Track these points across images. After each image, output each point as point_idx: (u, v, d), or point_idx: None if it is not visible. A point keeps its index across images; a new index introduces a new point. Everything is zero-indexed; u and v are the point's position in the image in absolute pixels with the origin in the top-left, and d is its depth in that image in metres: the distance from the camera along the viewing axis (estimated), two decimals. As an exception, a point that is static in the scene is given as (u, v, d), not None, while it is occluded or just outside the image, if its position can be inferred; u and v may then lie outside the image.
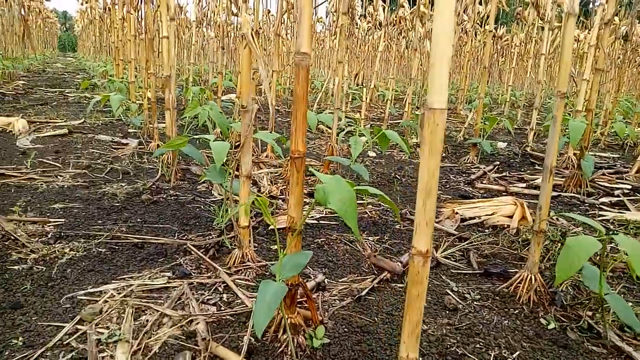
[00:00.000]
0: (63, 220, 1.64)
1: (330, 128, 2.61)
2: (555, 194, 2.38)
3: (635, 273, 0.93)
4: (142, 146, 2.93)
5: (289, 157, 2.47)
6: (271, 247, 1.55)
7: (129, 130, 3.52)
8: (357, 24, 8.76)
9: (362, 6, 8.27)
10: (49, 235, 1.50)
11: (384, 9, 7.68)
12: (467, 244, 1.65)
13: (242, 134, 1.31)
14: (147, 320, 1.05)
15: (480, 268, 1.46)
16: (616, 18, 5.27)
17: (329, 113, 3.83)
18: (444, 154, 3.48)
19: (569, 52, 1.14)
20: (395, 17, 7.56)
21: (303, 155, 1.00)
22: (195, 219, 1.77)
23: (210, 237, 1.58)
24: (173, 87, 2.29)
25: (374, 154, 3.28)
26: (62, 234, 1.53)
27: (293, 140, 0.99)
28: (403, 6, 7.08)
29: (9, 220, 1.56)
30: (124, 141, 3.08)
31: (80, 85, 6.96)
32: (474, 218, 1.95)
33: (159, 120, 2.91)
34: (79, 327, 1.02)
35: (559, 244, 1.64)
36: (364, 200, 2.13)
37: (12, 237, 1.45)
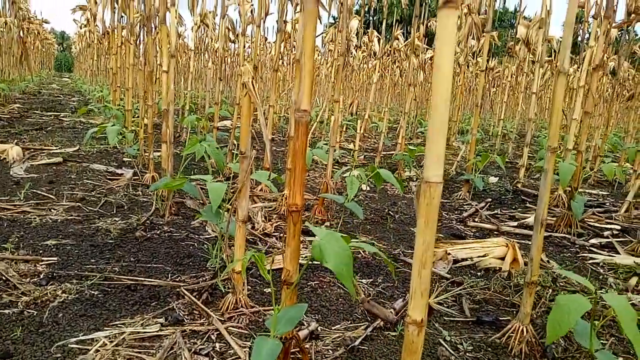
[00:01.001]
0: (56, 258, 1.63)
1: (325, 163, 2.64)
2: (546, 234, 2.40)
3: (624, 331, 0.94)
4: (137, 177, 2.94)
5: (283, 193, 2.48)
6: (264, 290, 1.55)
7: (124, 159, 3.53)
8: (352, 53, 8.93)
9: (357, 37, 8.44)
10: (41, 276, 1.49)
11: (378, 40, 7.85)
12: (460, 289, 1.65)
13: (240, 180, 1.32)
14: (139, 373, 1.04)
15: (473, 315, 1.47)
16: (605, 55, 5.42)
17: (324, 144, 3.87)
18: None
19: (559, 109, 1.18)
20: (390, 47, 7.72)
21: (300, 208, 1.01)
22: (189, 258, 1.76)
23: (204, 278, 1.58)
24: (171, 121, 2.31)
25: (367, 188, 3.30)
26: (55, 274, 1.52)
27: (291, 193, 1.01)
28: (397, 39, 7.24)
29: (1, 259, 1.55)
30: (118, 171, 3.08)
31: (75, 109, 6.99)
32: (466, 259, 1.97)
33: (155, 149, 2.92)
34: (69, 379, 1.01)
35: (550, 290, 1.65)
36: (357, 239, 2.13)
37: (3, 278, 1.44)
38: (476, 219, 2.65)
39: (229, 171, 2.92)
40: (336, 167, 4.16)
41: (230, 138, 3.99)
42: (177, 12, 2.33)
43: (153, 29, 2.73)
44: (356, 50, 9.39)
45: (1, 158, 3.17)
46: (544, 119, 10.77)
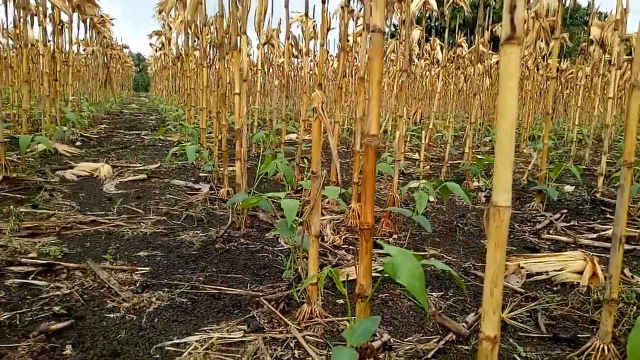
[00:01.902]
0: (148, 268, 1.81)
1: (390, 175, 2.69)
2: (629, 247, 2.28)
3: None
4: (213, 191, 3.13)
5: (350, 206, 2.54)
6: (336, 301, 1.62)
7: (200, 174, 3.77)
8: (414, 62, 8.87)
9: (419, 45, 8.36)
10: (137, 284, 1.66)
11: (441, 48, 7.76)
12: (535, 304, 1.63)
13: (312, 197, 1.41)
14: (228, 375, 1.14)
15: (549, 331, 1.45)
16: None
17: (389, 155, 3.90)
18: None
19: (634, 124, 1.15)
20: (453, 54, 7.59)
21: (372, 227, 1.07)
22: (265, 269, 1.87)
23: (280, 288, 1.68)
24: (244, 140, 2.47)
25: (434, 199, 3.29)
26: (148, 282, 1.68)
27: (362, 212, 1.08)
28: (461, 45, 7.12)
29: (103, 269, 1.75)
30: (196, 186, 3.30)
31: (154, 127, 7.52)
32: (540, 274, 1.92)
33: (229, 164, 3.11)
34: (169, 378, 1.13)
35: (635, 307, 1.59)
36: (426, 252, 2.16)
37: (106, 285, 1.62)
38: (551, 231, 2.57)
39: (297, 184, 3.04)
40: (401, 177, 4.17)
41: (298, 152, 4.13)
42: (247, 36, 2.49)
43: (225, 54, 2.93)
44: (418, 59, 9.32)
45: (94, 176, 3.51)
46: (622, 122, 10.05)
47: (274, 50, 6.82)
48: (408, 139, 6.09)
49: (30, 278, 1.64)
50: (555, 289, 1.81)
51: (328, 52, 9.10)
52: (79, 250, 1.96)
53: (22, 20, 4.44)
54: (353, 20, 4.40)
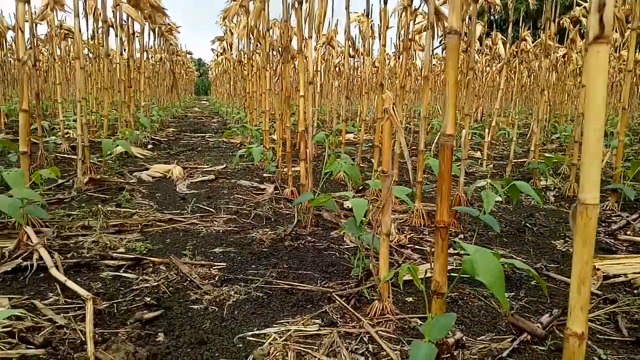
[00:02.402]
0: (224, 264, 1.92)
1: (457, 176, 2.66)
2: None
3: None
4: (278, 191, 3.24)
5: (414, 205, 2.54)
6: (405, 299, 1.65)
7: (264, 175, 3.90)
8: (475, 58, 8.62)
9: (480, 41, 8.11)
10: (216, 278, 1.77)
11: (503, 43, 7.50)
12: (614, 307, 1.57)
13: (383, 196, 1.44)
14: (307, 365, 1.20)
15: (631, 335, 1.40)
16: None
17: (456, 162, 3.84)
18: (578, 198, 3.28)
19: None
20: (517, 48, 7.31)
21: (447, 225, 1.09)
22: (333, 266, 1.93)
23: (349, 285, 1.72)
24: (310, 141, 2.54)
25: (500, 199, 3.21)
26: (225, 277, 1.79)
27: (438, 211, 1.10)
28: (525, 39, 6.85)
29: (184, 263, 1.88)
30: (261, 186, 3.43)
31: (217, 130, 7.83)
32: (619, 276, 1.85)
33: (292, 164, 3.20)
34: (252, 366, 1.21)
35: None
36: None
37: (188, 279, 1.74)
38: (628, 232, 2.44)
39: (360, 184, 3.08)
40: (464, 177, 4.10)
41: (358, 152, 4.17)
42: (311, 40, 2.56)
43: (289, 58, 3.02)
44: (479, 55, 9.05)
45: (167, 176, 3.73)
46: None
47: (333, 51, 6.89)
48: (469, 137, 5.95)
49: (121, 271, 1.79)
50: (635, 291, 1.73)
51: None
52: (161, 246, 2.11)
53: (101, 31, 4.80)
54: (413, 19, 4.38)
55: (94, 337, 1.26)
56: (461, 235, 2.36)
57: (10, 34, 7.51)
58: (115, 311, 1.49)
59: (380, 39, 3.18)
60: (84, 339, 1.28)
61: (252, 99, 5.51)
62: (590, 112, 0.70)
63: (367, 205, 1.67)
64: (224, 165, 4.28)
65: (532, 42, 7.64)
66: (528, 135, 7.04)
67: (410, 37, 2.92)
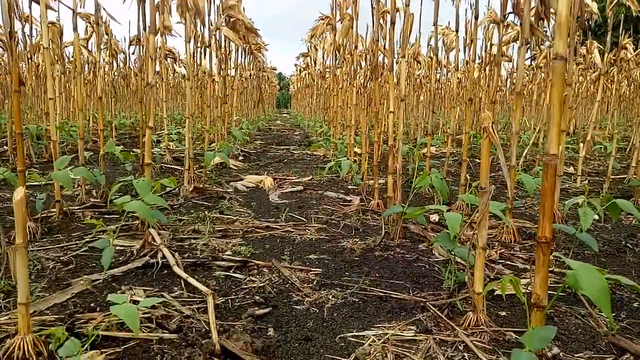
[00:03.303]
0: (320, 269, 2.06)
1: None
2: None
3: None
4: (364, 203, 3.35)
5: (502, 221, 2.53)
6: (499, 312, 1.68)
7: (349, 187, 4.03)
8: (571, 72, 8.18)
9: (574, 51, 7.72)
10: (314, 283, 1.91)
11: (599, 51, 7.07)
12: None
13: (480, 211, 1.50)
14: (407, 367, 1.30)
15: None
16: None
17: (541, 169, 3.72)
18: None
19: None
20: (615, 56, 6.85)
21: (549, 240, 1.14)
22: (424, 278, 2.00)
23: (441, 296, 1.79)
24: (399, 156, 2.63)
25: (597, 217, 3.07)
26: (323, 282, 1.93)
27: (540, 226, 1.15)
28: (626, 47, 6.41)
29: (285, 267, 2.05)
30: (348, 198, 3.56)
31: (300, 142, 8.13)
32: None
33: (378, 177, 3.31)
34: (356, 363, 1.33)
35: None
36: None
37: (290, 282, 1.91)
38: None
39: (447, 199, 3.10)
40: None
41: (444, 167, 4.17)
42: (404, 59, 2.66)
43: (379, 75, 3.14)
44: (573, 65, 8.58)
45: (259, 187, 4.00)
46: None
47: (418, 65, 6.93)
48: (562, 152, 5.67)
49: (231, 271, 2.00)
50: None
51: (467, 62, 8.90)
52: (261, 250, 2.31)
53: (200, 53, 5.25)
54: (497, 30, 4.32)
55: (217, 328, 1.45)
56: (555, 253, 2.32)
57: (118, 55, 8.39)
58: (230, 306, 1.68)
59: (466, 53, 3.21)
60: (208, 328, 1.47)
61: (337, 113, 5.70)
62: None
63: (460, 219, 1.73)
64: (310, 177, 4.48)
65: (634, 50, 7.13)
66: (628, 150, 6.55)
67: (501, 52, 2.92)
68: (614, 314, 1.67)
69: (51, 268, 1.95)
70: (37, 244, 2.26)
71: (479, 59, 6.33)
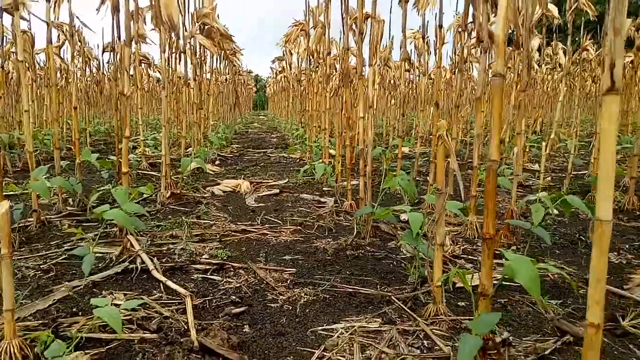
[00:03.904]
0: (294, 269, 2.17)
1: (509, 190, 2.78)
2: None
3: None
4: (337, 204, 3.47)
5: (468, 219, 2.68)
6: (458, 303, 1.81)
7: (324, 189, 4.15)
8: (534, 68, 8.51)
9: (540, 52, 8.02)
10: (288, 282, 2.02)
11: (564, 52, 7.36)
12: None
13: (437, 211, 1.64)
14: (371, 355, 1.42)
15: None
16: None
17: (507, 168, 3.91)
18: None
19: None
20: (578, 57, 7.16)
21: (493, 237, 1.28)
22: (391, 274, 2.13)
23: (406, 290, 1.92)
24: (369, 159, 2.76)
25: (556, 212, 3.26)
26: (296, 281, 2.04)
27: (485, 224, 1.28)
28: (587, 49, 6.71)
29: (260, 268, 2.15)
30: (322, 200, 3.68)
31: (276, 145, 8.22)
32: None
33: (351, 179, 3.43)
34: (324, 353, 1.44)
35: None
36: (545, 261, 2.24)
37: (265, 282, 2.01)
38: None
39: (415, 198, 3.25)
40: (520, 189, 4.15)
41: (414, 167, 4.33)
42: (374, 69, 2.79)
43: (349, 82, 3.27)
44: (539, 65, 8.90)
45: (236, 191, 4.08)
46: None
47: (389, 70, 7.10)
48: (527, 150, 5.92)
49: (208, 274, 2.09)
50: None
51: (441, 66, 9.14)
52: (238, 253, 2.40)
53: (175, 58, 5.30)
54: (467, 33, 4.50)
55: (195, 326, 1.54)
56: (514, 247, 2.48)
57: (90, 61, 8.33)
58: (208, 306, 1.77)
59: (435, 55, 3.36)
60: (187, 328, 1.56)
61: (312, 117, 5.82)
62: (604, 154, 0.87)
63: (422, 218, 1.86)
64: (287, 180, 4.59)
65: (595, 51, 7.45)
66: (590, 146, 6.86)
67: (465, 59, 3.08)
68: (561, 301, 1.83)
69: (32, 276, 2.01)
70: (16, 253, 2.31)
71: (450, 60, 6.55)
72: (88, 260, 1.82)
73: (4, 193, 2.76)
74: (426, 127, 6.66)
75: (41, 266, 2.12)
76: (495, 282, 1.27)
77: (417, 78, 7.28)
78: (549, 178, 4.69)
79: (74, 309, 1.70)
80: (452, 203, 2.06)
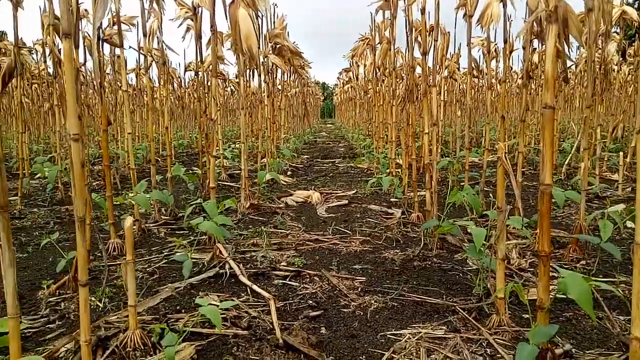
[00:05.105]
0: (364, 278, 2.35)
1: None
2: None
3: None
4: (405, 216, 3.61)
5: (535, 232, 2.71)
6: (522, 315, 1.90)
7: (391, 200, 4.30)
8: (614, 70, 8.06)
9: (622, 54, 7.66)
10: (359, 289, 2.21)
11: (648, 53, 6.94)
12: None
13: (498, 228, 1.75)
14: (436, 359, 1.57)
15: None
16: None
17: (580, 179, 3.83)
18: None
19: None
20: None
21: (548, 254, 1.38)
22: (457, 285, 2.25)
23: (471, 301, 2.03)
24: (434, 173, 2.89)
25: (631, 224, 3.18)
26: (366, 289, 2.22)
27: (540, 242, 1.40)
28: (673, 49, 6.29)
29: (333, 276, 2.36)
30: (389, 211, 3.83)
31: (344, 155, 8.45)
32: None
33: (418, 191, 3.56)
34: (393, 355, 1.61)
35: None
36: (616, 279, 2.24)
37: (337, 289, 2.21)
38: None
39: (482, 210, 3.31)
40: (596, 201, 4.04)
41: (482, 179, 4.35)
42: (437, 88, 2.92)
43: (415, 99, 3.41)
44: (619, 66, 8.43)
45: (308, 201, 4.34)
46: None
47: (454, 82, 7.10)
48: (606, 159, 5.67)
49: (287, 280, 2.33)
50: None
51: (511, 69, 8.92)
52: (312, 261, 2.63)
53: (252, 76, 5.69)
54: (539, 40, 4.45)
55: (279, 326, 1.77)
56: (583, 262, 2.49)
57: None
58: (288, 309, 2.00)
59: (505, 62, 3.40)
60: (272, 327, 1.79)
61: (379, 128, 5.98)
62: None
63: (485, 233, 1.97)
64: (355, 191, 4.78)
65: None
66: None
67: (530, 74, 3.11)
68: (629, 317, 1.85)
69: (140, 278, 2.36)
70: (123, 258, 2.69)
71: (522, 64, 6.43)
72: (187, 265, 2.12)
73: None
74: (495, 135, 6.58)
75: (147, 269, 2.47)
76: (551, 296, 1.38)
77: (484, 87, 7.20)
78: (629, 189, 4.49)
79: (177, 307, 2.00)
80: (515, 219, 2.15)
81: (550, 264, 2.02)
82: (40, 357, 1.26)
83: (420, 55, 3.21)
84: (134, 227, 3.17)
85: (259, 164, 4.92)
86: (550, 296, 1.38)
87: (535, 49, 3.50)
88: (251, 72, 5.81)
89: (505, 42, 3.15)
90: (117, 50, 4.36)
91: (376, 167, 5.98)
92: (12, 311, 0.99)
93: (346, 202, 4.24)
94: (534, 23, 2.90)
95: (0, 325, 1.48)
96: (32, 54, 6.10)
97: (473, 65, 6.97)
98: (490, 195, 4.29)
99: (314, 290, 2.19)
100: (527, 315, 1.90)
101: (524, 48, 3.21)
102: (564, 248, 2.71)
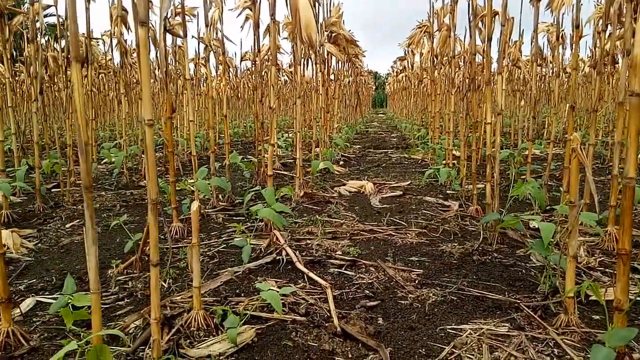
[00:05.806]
0: (421, 270, 2.31)
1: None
2: None
3: None
4: (462, 208, 3.51)
5: (606, 229, 2.57)
6: (592, 316, 1.80)
7: (448, 192, 4.19)
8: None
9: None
10: (416, 282, 2.18)
11: None
12: None
13: (570, 223, 1.66)
14: (499, 356, 1.51)
15: None
16: None
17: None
18: None
19: None
20: None
21: (629, 252, 1.29)
22: (519, 282, 2.16)
23: (535, 299, 1.95)
24: (496, 166, 2.78)
25: None
26: (423, 281, 2.18)
27: (620, 240, 1.31)
28: None
29: (389, 267, 2.33)
30: (446, 203, 3.74)
31: (397, 146, 8.33)
32: None
33: (477, 183, 3.44)
34: (454, 350, 1.57)
35: None
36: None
37: (394, 280, 2.19)
38: None
39: (545, 205, 3.16)
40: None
41: (546, 172, 4.15)
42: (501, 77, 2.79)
43: (477, 87, 3.28)
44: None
45: (361, 191, 4.31)
46: None
47: (514, 71, 6.79)
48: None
49: (343, 269, 2.33)
50: None
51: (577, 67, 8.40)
52: (367, 251, 2.61)
53: (306, 66, 5.71)
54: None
55: (336, 314, 1.78)
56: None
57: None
58: (345, 298, 2.00)
59: (572, 50, 3.20)
60: (329, 315, 1.80)
61: (435, 118, 5.83)
62: None
63: (553, 228, 1.88)
64: (409, 182, 4.70)
65: None
66: None
67: (603, 61, 2.90)
68: None
69: (201, 261, 2.44)
70: (185, 241, 2.80)
71: (590, 52, 6.05)
72: (246, 250, 2.17)
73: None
74: (560, 126, 6.25)
75: (207, 253, 2.55)
76: (631, 297, 1.29)
77: (550, 74, 6.83)
78: None
79: (237, 290, 2.05)
80: (587, 214, 2.03)
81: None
82: (120, 332, 1.33)
83: (480, 42, 3.09)
84: (194, 212, 3.28)
85: (313, 153, 4.94)
86: (630, 297, 1.29)
87: (611, 33, 3.26)
88: (305, 61, 5.83)
89: (577, 27, 2.96)
90: (179, 41, 4.49)
91: (431, 158, 5.85)
92: (95, 286, 1.05)
93: (400, 193, 4.18)
94: (611, 7, 2.71)
95: (78, 299, 1.58)
96: (99, 45, 6.43)
97: (536, 56, 6.65)
98: (554, 189, 4.09)
99: (370, 281, 2.18)
100: (597, 317, 1.80)
101: (599, 33, 3.01)
102: (638, 247, 2.54)
